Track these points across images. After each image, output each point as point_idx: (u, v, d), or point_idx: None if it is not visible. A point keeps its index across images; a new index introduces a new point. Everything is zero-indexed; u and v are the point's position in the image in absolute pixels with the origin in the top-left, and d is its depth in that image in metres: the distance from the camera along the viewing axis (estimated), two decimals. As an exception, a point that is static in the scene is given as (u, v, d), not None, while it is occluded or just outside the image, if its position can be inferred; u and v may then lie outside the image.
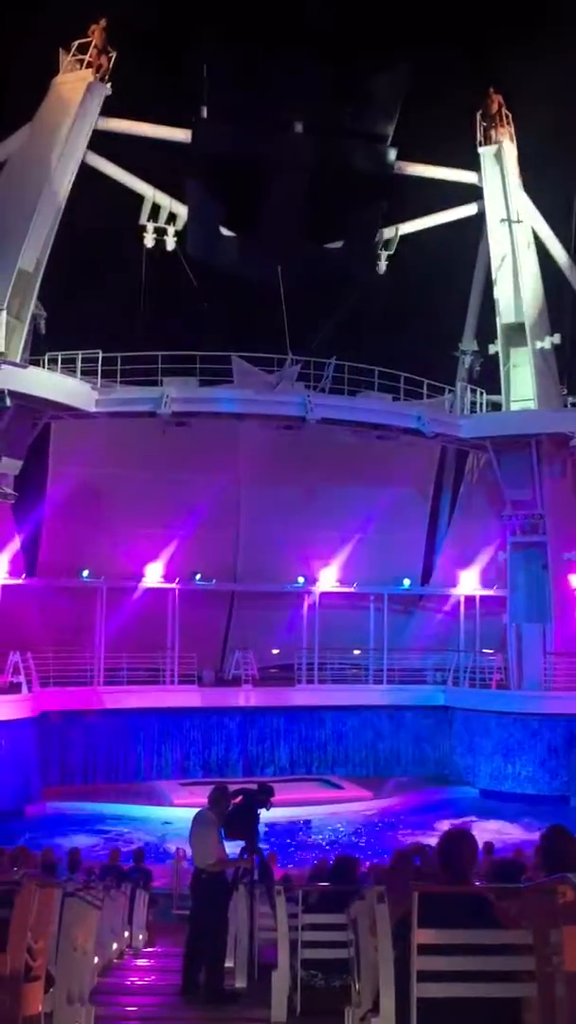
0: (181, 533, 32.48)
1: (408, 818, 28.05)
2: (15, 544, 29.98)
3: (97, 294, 30.84)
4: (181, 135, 31.40)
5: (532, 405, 31.73)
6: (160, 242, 31.89)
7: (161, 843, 23.88)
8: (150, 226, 31.74)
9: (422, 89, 31.89)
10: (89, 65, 29.31)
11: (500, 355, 32.68)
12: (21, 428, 27.66)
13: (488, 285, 33.85)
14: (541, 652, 30.92)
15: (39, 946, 4.85)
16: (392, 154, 32.56)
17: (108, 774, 29.86)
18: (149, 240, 31.73)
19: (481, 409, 33.03)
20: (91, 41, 29.43)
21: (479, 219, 34.17)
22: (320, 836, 25.62)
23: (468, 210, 34.33)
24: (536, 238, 33.33)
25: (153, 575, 31.30)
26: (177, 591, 31.36)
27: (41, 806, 27.26)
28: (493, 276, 33.03)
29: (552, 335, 31.90)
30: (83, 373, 28.11)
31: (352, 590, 33.45)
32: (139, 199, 31.70)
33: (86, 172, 29.58)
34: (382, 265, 34.15)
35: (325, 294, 33.41)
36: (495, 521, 33.10)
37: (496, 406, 32.93)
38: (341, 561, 33.83)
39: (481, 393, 33.30)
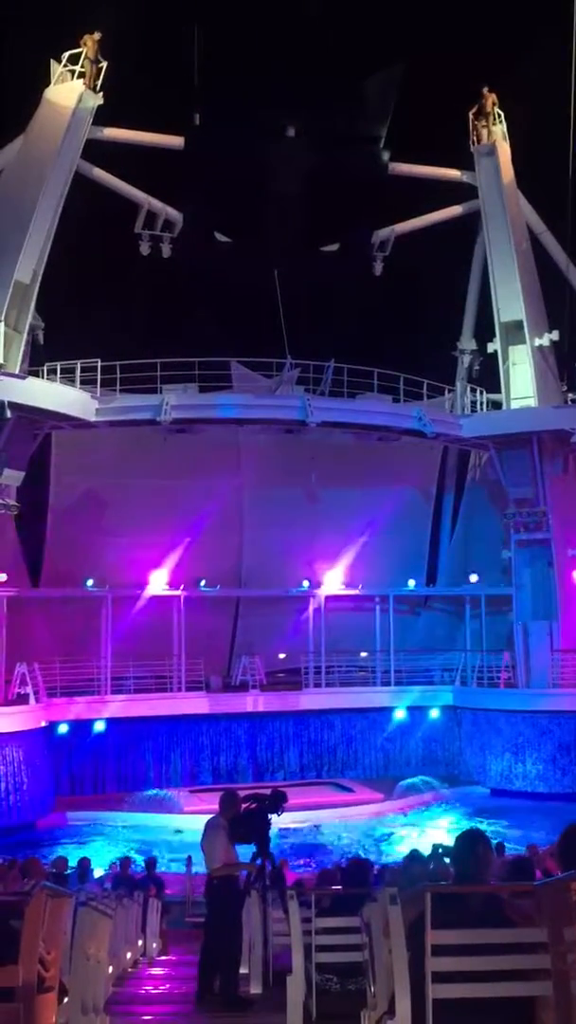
0: (185, 540, 32.48)
1: (420, 819, 28.01)
2: (19, 555, 30.01)
3: (95, 303, 30.88)
4: (175, 142, 31.46)
5: (532, 402, 31.69)
6: (156, 249, 31.98)
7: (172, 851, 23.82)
8: (145, 234, 31.86)
9: (415, 88, 31.90)
10: (81, 75, 29.34)
11: (499, 353, 32.65)
12: (22, 439, 27.66)
13: (485, 283, 33.84)
14: (548, 649, 30.86)
15: (52, 957, 4.82)
16: (386, 155, 32.58)
17: (118, 783, 29.85)
18: (145, 248, 31.85)
19: (481, 408, 33.01)
20: (83, 51, 29.47)
21: (475, 218, 34.18)
22: (332, 840, 25.53)
23: (463, 209, 34.37)
24: (532, 234, 33.35)
25: (158, 583, 31.29)
26: (182, 598, 31.34)
27: (52, 816, 27.26)
28: (490, 274, 33.03)
29: (550, 332, 31.85)
30: (82, 382, 28.10)
31: (357, 592, 33.43)
32: (134, 207, 31.78)
33: (81, 182, 29.61)
34: (378, 266, 34.19)
35: (322, 297, 33.42)
36: (499, 519, 33.07)
37: (496, 404, 32.90)
38: (345, 564, 33.80)
39: (481, 392, 33.28)
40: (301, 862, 21.86)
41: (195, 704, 30.61)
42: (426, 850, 15.09)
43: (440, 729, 32.85)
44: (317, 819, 26.64)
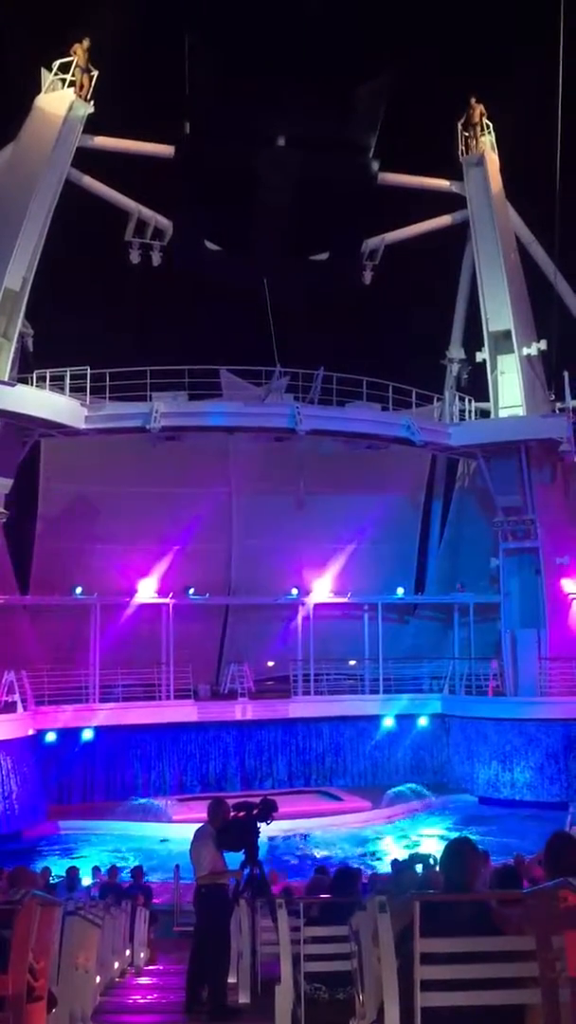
0: (174, 548, 32.48)
1: (408, 828, 27.99)
2: (7, 563, 29.94)
3: (84, 311, 30.88)
4: (165, 151, 31.52)
5: (520, 411, 31.82)
6: (146, 258, 32.01)
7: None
8: (135, 242, 31.89)
9: (404, 99, 32.06)
10: (71, 84, 29.42)
11: (487, 362, 32.78)
12: (11, 446, 27.63)
13: (474, 293, 33.99)
14: (536, 658, 30.93)
15: (41, 966, 4.83)
16: (375, 165, 32.70)
17: (106, 792, 29.77)
18: (135, 256, 31.87)
19: (470, 417, 33.11)
20: (73, 60, 29.55)
21: (464, 228, 34.35)
22: (320, 848, 25.49)
23: (452, 219, 34.52)
24: (520, 244, 33.52)
25: (146, 590, 31.29)
26: (171, 606, 31.32)
27: (41, 826, 27.13)
28: (479, 283, 33.17)
29: (538, 341, 32.01)
30: (72, 390, 28.09)
31: (346, 600, 33.47)
32: (124, 215, 31.81)
33: (71, 190, 29.64)
34: (368, 275, 34.29)
35: (312, 306, 33.50)
36: (487, 528, 33.15)
37: (484, 413, 33.03)
38: (334, 572, 33.85)
39: (469, 401, 33.39)
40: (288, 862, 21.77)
41: (183, 712, 30.56)
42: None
43: (428, 737, 32.88)
44: (305, 828, 26.59)
